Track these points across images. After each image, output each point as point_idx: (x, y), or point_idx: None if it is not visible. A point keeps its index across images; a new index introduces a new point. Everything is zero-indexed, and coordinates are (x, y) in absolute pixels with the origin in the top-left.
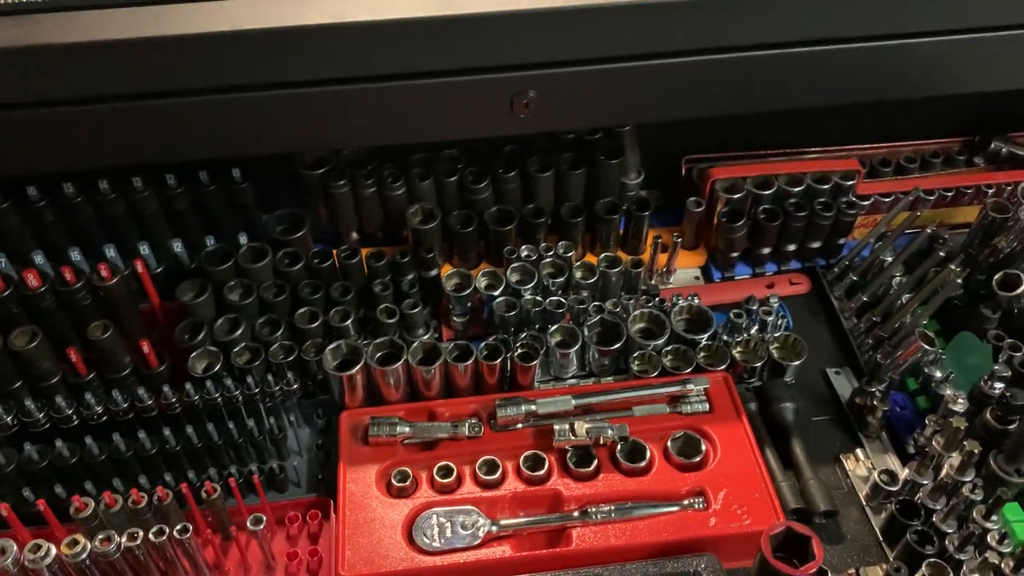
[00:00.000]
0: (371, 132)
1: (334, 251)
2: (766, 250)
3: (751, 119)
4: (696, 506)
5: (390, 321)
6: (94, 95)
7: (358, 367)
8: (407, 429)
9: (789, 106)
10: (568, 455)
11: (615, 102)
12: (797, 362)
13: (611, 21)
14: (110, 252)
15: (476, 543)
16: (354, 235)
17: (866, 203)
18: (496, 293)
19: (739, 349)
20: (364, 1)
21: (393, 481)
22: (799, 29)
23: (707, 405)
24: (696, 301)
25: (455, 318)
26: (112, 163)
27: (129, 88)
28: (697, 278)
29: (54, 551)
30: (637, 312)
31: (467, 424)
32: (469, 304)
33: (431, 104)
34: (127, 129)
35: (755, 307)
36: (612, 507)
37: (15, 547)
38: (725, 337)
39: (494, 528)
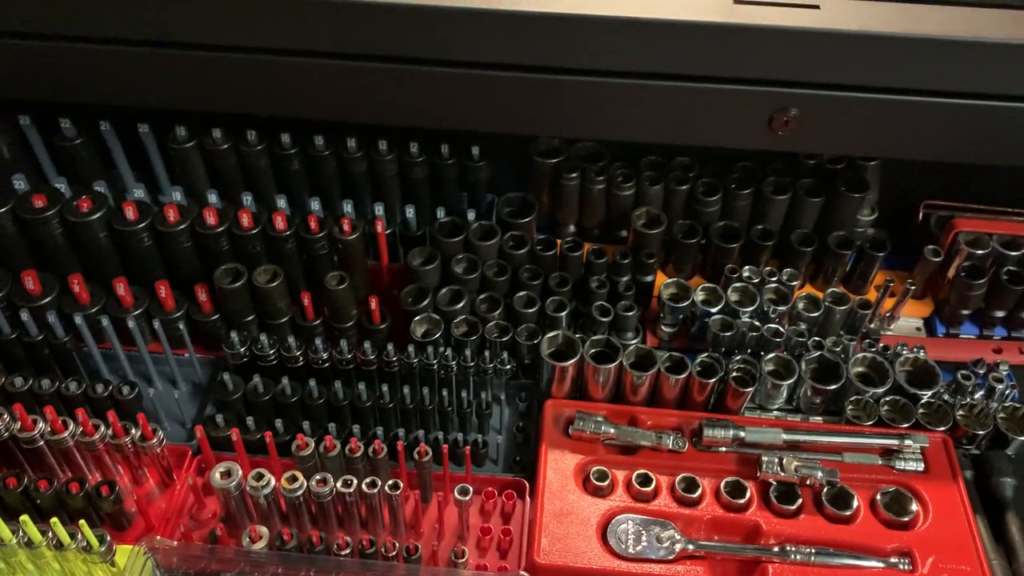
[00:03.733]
0: (626, 127)
1: (558, 241)
2: (1000, 313)
3: (1002, 172)
4: (901, 567)
5: (603, 319)
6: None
7: (574, 359)
8: (612, 430)
9: None
10: (771, 488)
11: (880, 134)
12: None
13: (889, 51)
14: (347, 207)
15: (670, 558)
16: (571, 227)
17: None
18: (714, 310)
19: (962, 412)
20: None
21: (592, 478)
22: None
23: (922, 464)
24: (922, 354)
25: (664, 327)
26: (383, 121)
27: (418, 52)
28: (919, 329)
29: (274, 483)
30: (859, 355)
31: (672, 437)
32: (681, 316)
33: (691, 108)
34: (408, 91)
35: (983, 371)
36: (813, 550)
37: (240, 471)
38: (947, 397)
39: (690, 547)
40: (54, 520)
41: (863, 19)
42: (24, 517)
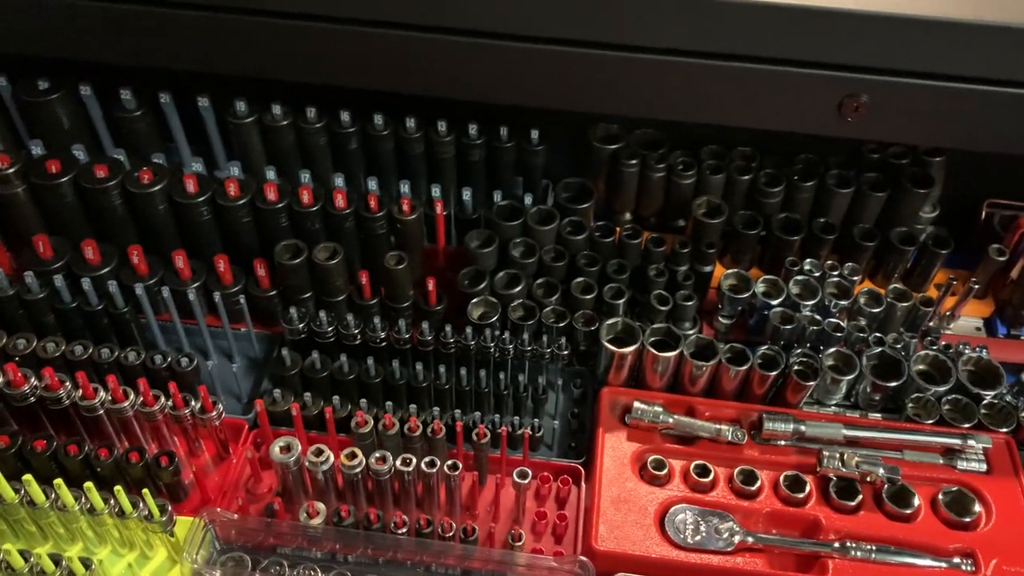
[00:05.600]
0: (693, 108)
1: (617, 228)
2: None
3: None
4: (964, 567)
5: (662, 308)
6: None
7: (634, 347)
8: (670, 419)
9: None
10: (831, 484)
11: (951, 124)
12: None
13: (965, 38)
14: (404, 188)
15: (729, 549)
16: (627, 215)
17: None
18: (775, 303)
19: None
20: None
21: (649, 467)
22: None
23: (985, 465)
24: (985, 354)
25: (721, 318)
26: (445, 94)
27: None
28: (979, 329)
29: (333, 459)
30: (921, 353)
31: (731, 429)
32: (739, 308)
33: (759, 90)
34: (474, 65)
35: None
36: (874, 547)
37: (299, 447)
38: (1009, 398)
39: (749, 539)
40: (118, 488)
41: (939, 4)
42: (88, 484)
